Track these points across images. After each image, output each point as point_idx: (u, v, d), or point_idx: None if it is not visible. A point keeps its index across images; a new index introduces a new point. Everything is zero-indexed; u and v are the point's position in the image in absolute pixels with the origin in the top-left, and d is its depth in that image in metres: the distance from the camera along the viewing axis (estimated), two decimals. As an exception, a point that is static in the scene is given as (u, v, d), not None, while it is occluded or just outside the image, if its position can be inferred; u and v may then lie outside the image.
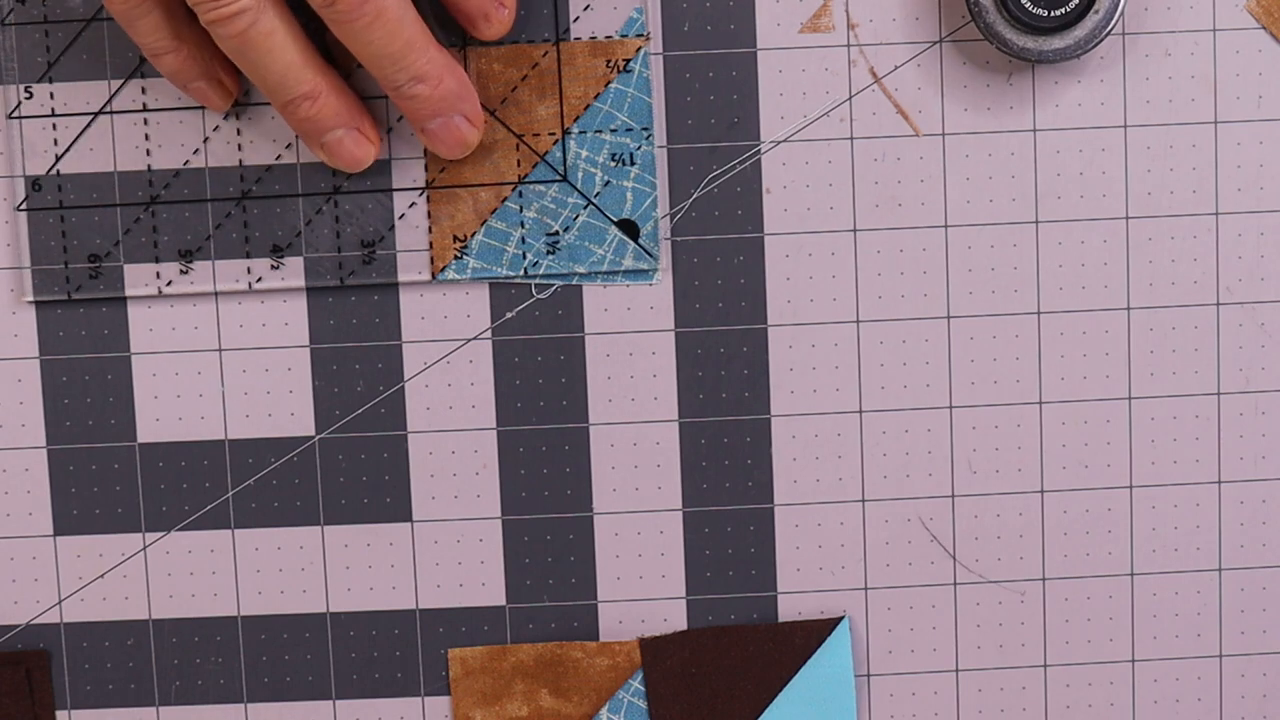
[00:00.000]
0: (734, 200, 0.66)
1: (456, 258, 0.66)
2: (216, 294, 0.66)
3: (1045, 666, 0.68)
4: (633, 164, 0.66)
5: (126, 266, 0.66)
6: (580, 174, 0.66)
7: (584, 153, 0.66)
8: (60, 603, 0.67)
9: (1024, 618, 0.68)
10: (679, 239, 0.66)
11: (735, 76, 0.66)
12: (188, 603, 0.67)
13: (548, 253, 0.66)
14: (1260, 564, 0.68)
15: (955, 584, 0.68)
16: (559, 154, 0.66)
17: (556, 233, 0.66)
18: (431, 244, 0.66)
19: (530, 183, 0.66)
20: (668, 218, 0.66)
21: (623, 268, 0.66)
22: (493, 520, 0.67)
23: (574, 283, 0.66)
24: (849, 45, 0.66)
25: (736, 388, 0.67)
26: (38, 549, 0.67)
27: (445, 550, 0.67)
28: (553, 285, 0.66)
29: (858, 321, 0.67)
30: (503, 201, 0.66)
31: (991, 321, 0.67)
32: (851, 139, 0.66)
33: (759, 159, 0.66)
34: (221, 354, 0.66)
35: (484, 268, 0.66)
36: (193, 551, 0.67)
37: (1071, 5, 0.62)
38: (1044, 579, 0.68)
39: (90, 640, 0.67)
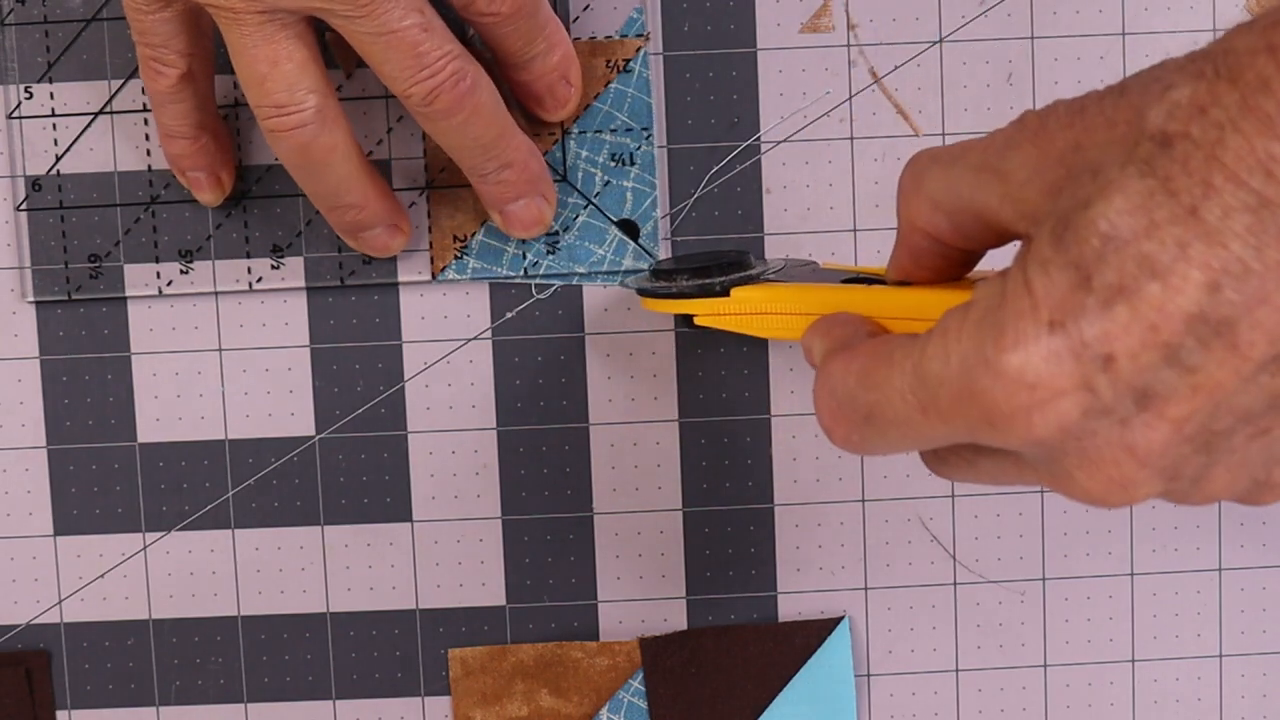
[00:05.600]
0: (734, 200, 0.66)
1: (456, 258, 0.66)
2: (216, 294, 0.66)
3: (1045, 666, 0.68)
4: (633, 164, 0.66)
5: (126, 266, 0.66)
6: (580, 174, 0.66)
7: (584, 153, 0.66)
8: (60, 603, 0.67)
9: (1024, 618, 0.68)
10: (679, 239, 0.66)
11: (735, 76, 0.66)
12: (188, 603, 0.67)
13: (548, 253, 0.66)
14: (1260, 564, 0.68)
15: (955, 584, 0.68)
16: (559, 154, 0.66)
17: (556, 233, 0.66)
18: (431, 244, 0.66)
19: (530, 183, 0.66)
20: (668, 218, 0.66)
21: (623, 268, 0.66)
22: (493, 520, 0.67)
23: (574, 283, 0.66)
24: (849, 45, 0.66)
25: (736, 388, 0.67)
26: (38, 549, 0.67)
27: (445, 550, 0.67)
28: (553, 285, 0.66)
29: (858, 321, 0.66)
30: (503, 201, 0.66)
31: (991, 321, 0.67)
32: (851, 139, 0.66)
33: (759, 159, 0.66)
34: (221, 354, 0.66)
35: (484, 268, 0.66)
36: (193, 551, 0.67)
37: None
38: (1044, 579, 0.68)
39: (90, 640, 0.67)
